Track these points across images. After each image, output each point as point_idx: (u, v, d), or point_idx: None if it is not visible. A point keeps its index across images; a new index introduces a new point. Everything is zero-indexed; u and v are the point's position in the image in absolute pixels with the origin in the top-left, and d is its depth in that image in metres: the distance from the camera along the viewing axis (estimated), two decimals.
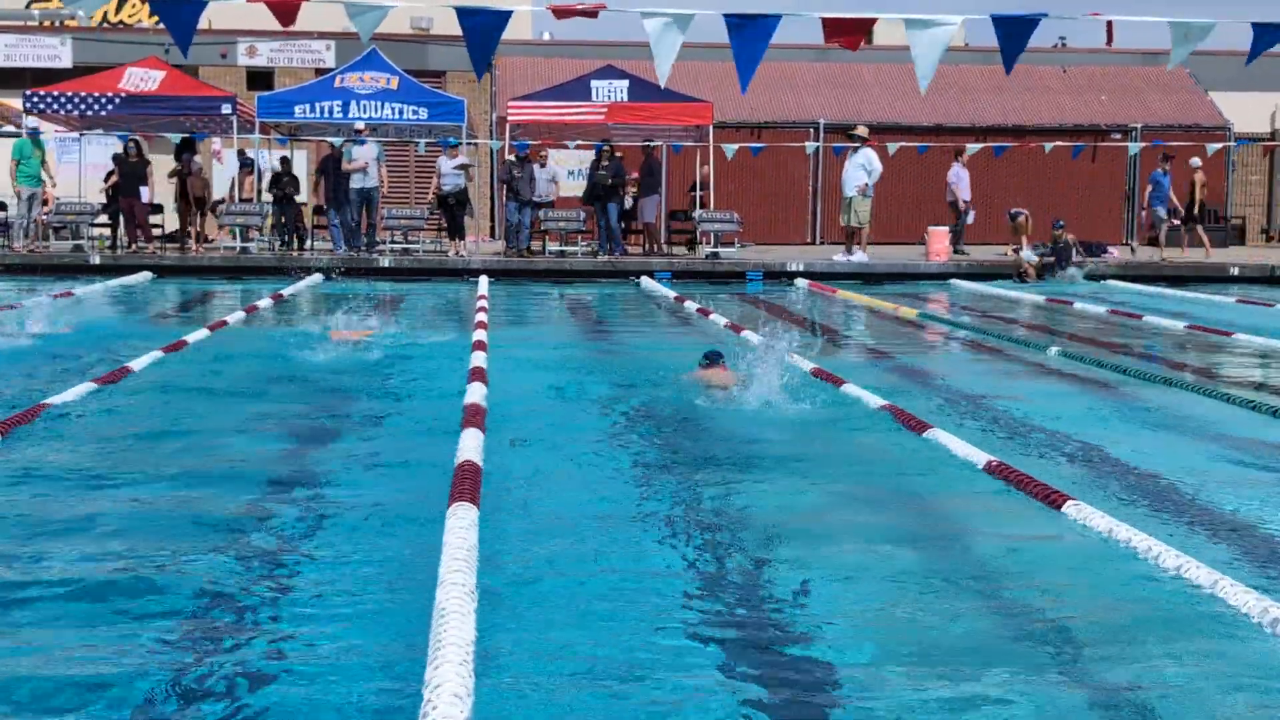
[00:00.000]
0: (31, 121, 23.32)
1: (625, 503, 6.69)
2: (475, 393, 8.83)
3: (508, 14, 9.47)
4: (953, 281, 23.12)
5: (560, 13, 10.52)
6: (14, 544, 5.65)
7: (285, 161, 24.53)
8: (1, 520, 6.05)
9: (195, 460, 7.44)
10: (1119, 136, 32.69)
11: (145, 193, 23.55)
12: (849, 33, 9.18)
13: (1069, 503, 5.96)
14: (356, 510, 6.36)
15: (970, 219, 26.47)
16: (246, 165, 25.61)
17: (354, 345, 12.24)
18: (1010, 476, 6.63)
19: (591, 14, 10.24)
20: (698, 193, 26.09)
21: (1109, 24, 11.07)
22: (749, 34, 6.89)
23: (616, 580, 5.33)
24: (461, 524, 5.25)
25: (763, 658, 4.64)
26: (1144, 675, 4.36)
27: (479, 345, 11.70)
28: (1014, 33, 6.65)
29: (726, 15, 9.00)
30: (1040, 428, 8.83)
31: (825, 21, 9.17)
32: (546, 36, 36.36)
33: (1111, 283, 23.39)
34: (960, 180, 26.00)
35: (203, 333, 12.97)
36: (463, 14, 9.28)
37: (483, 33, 7.17)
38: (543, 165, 24.96)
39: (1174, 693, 4.25)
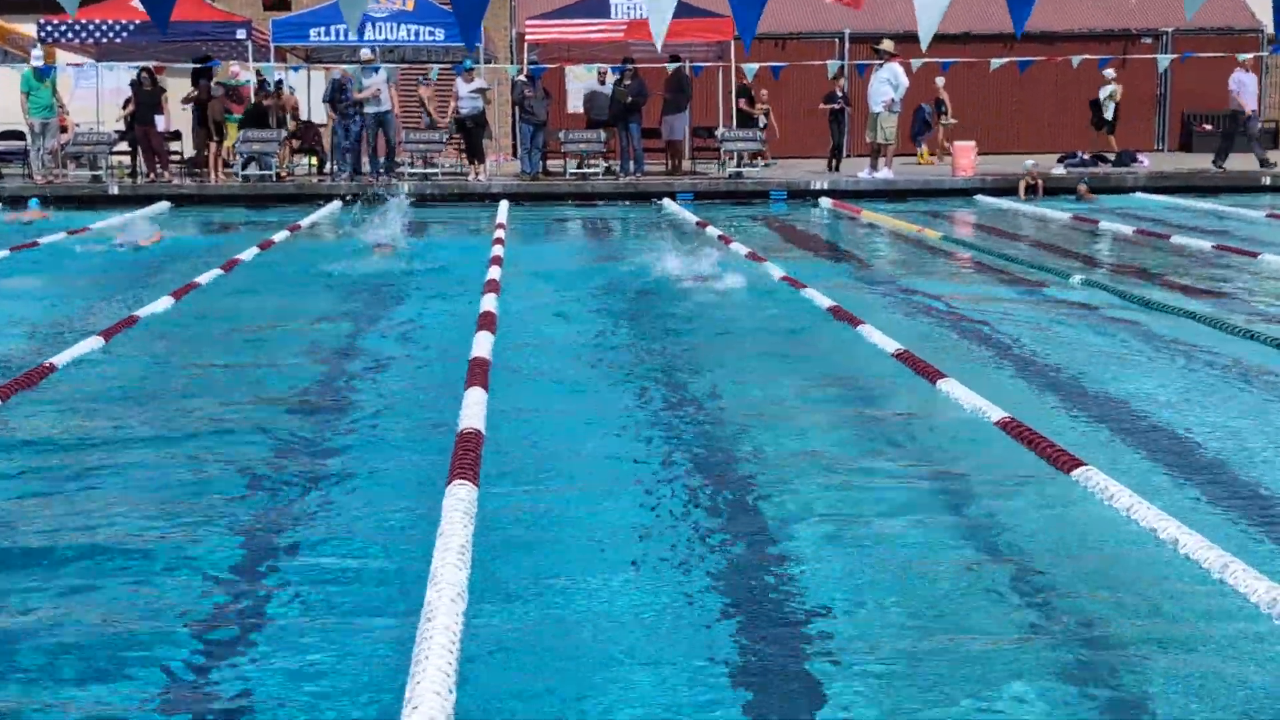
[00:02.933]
0: (37, 53, 23.07)
1: (628, 451, 6.76)
2: (481, 344, 8.71)
3: None
4: (978, 198, 22.81)
5: None
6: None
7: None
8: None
9: (200, 406, 7.38)
10: (1149, 42, 32.09)
11: (161, 121, 23.36)
12: None
13: (1079, 468, 5.82)
14: (365, 454, 6.43)
15: (1257, 128, 25.39)
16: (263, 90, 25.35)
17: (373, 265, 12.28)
18: (1021, 435, 6.48)
19: None
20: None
21: None
22: None
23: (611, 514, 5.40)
24: (458, 507, 5.16)
25: (758, 608, 4.75)
26: (1129, 655, 4.32)
27: (490, 286, 11.56)
28: None
29: None
30: (1061, 370, 8.70)
31: None
32: None
33: (1140, 195, 23.04)
34: (1243, 87, 24.91)
35: (215, 272, 12.87)
36: None
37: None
38: (602, 82, 24.68)
39: (1161, 673, 4.20)
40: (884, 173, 24.03)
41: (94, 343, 8.95)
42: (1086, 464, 5.82)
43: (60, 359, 8.37)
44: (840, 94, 26.17)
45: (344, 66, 23.69)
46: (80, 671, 4.28)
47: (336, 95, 23.16)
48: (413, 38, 23.55)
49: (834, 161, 26.14)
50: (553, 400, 8.00)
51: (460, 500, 5.25)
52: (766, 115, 26.03)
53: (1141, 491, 5.57)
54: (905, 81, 23.74)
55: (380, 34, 23.30)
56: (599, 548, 5.40)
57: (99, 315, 10.68)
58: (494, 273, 12.47)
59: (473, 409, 6.88)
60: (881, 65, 23.89)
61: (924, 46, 6.24)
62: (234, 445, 6.89)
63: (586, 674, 4.27)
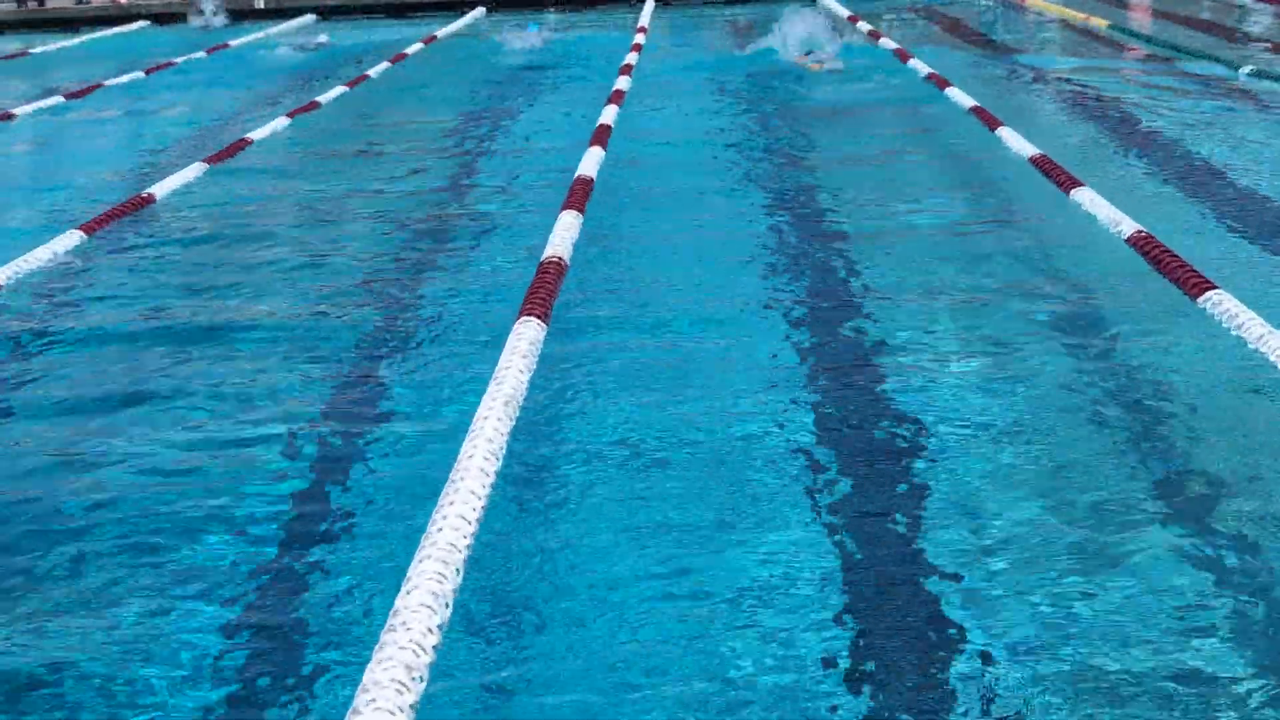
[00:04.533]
0: None
1: (739, 262, 6.52)
2: (589, 161, 8.31)
3: None
4: None
5: None
6: None
7: None
8: None
9: (296, 236, 7.20)
10: None
11: None
12: None
13: (1210, 291, 5.25)
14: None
15: None
16: None
17: (501, 76, 11.86)
18: (1152, 252, 5.90)
19: None
20: None
21: None
22: None
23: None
24: (519, 349, 4.84)
25: (876, 431, 4.52)
26: (1227, 472, 4.05)
27: (615, 96, 11.08)
28: None
29: None
30: (1218, 176, 8.00)
31: None
32: None
33: None
34: None
35: (340, 89, 12.60)
36: None
37: None
38: None
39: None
40: None
41: (198, 169, 8.78)
42: (1218, 287, 5.25)
43: (161, 188, 8.22)
44: None
45: None
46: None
47: None
48: None
49: None
50: (663, 214, 7.63)
51: (523, 340, 4.95)
52: None
53: None
54: None
55: None
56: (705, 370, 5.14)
57: (212, 137, 10.54)
58: (622, 82, 11.97)
59: (561, 235, 6.52)
60: None
61: None
62: (325, 275, 6.71)
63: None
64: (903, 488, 4.09)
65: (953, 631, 3.29)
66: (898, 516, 3.93)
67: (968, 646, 3.21)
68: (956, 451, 4.32)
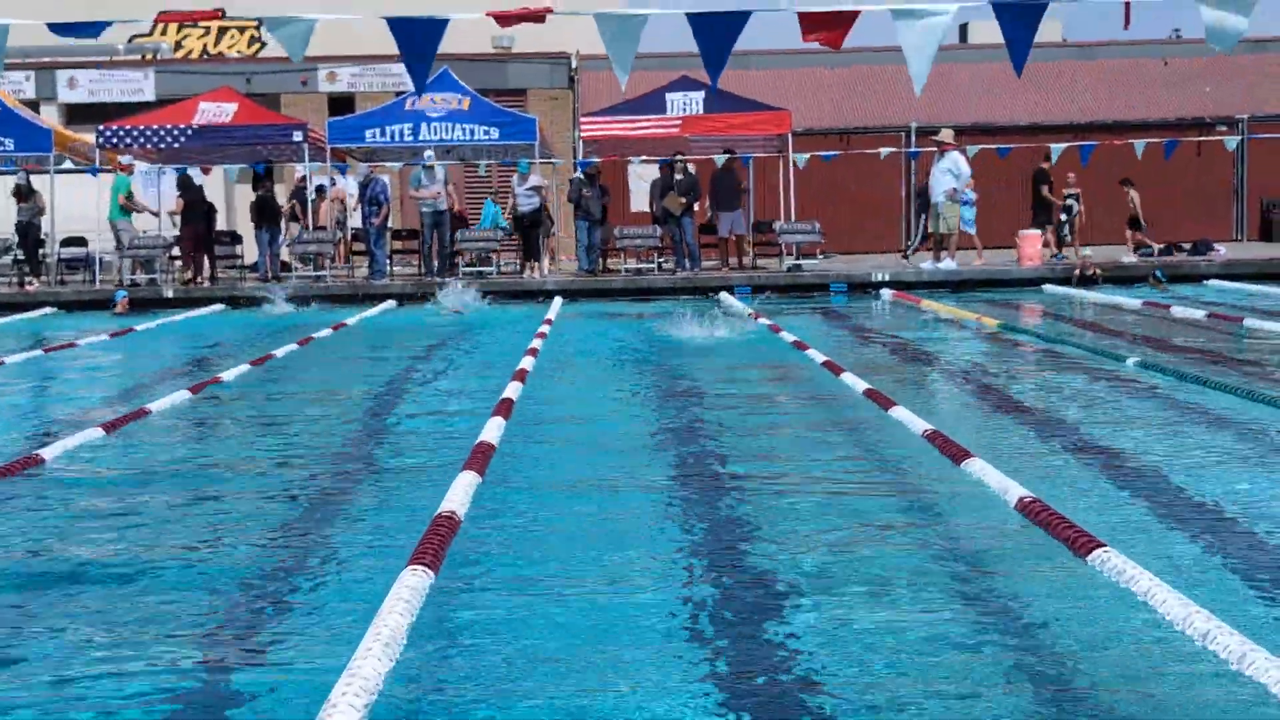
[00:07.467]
0: (130, 160, 23.42)
1: (633, 535, 6.26)
2: (490, 429, 8.34)
3: (443, 23, 9.02)
4: (1046, 287, 22.22)
5: (503, 19, 10.04)
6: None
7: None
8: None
9: (181, 511, 7.04)
10: (1224, 129, 31.40)
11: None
12: (829, 28, 8.50)
13: (1097, 550, 5.29)
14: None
15: None
16: (321, 192, 25.46)
17: (403, 358, 11.92)
18: (1040, 516, 5.96)
19: (538, 19, 9.69)
20: None
21: (1126, 7, 10.19)
22: (716, 32, 6.34)
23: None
24: (402, 594, 4.74)
25: (760, 677, 4.39)
26: None
27: (519, 375, 11.21)
28: (1020, 24, 5.97)
29: (690, 14, 8.48)
30: (1101, 452, 8.17)
31: (802, 17, 8.52)
32: None
33: (1214, 282, 22.36)
34: None
35: (244, 367, 12.61)
36: (395, 26, 8.88)
37: (420, 41, 6.70)
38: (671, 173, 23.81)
39: None
40: (947, 264, 23.51)
41: (91, 434, 8.67)
42: (1105, 545, 5.29)
43: (51, 451, 8.09)
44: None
45: (391, 165, 23.76)
46: None
47: (362, 194, 23.33)
48: (468, 137, 23.49)
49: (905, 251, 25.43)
50: (556, 484, 7.58)
51: (407, 587, 4.84)
52: (1077, 200, 24.77)
53: (1177, 575, 5.10)
54: (967, 170, 23.29)
55: (435, 134, 23.27)
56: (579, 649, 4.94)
57: (109, 409, 10.45)
58: (526, 362, 12.14)
59: (457, 492, 6.50)
60: (942, 155, 23.48)
61: (917, 91, 5.86)
62: (218, 536, 6.55)
63: None
64: None
65: None
66: None
67: None
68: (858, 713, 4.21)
